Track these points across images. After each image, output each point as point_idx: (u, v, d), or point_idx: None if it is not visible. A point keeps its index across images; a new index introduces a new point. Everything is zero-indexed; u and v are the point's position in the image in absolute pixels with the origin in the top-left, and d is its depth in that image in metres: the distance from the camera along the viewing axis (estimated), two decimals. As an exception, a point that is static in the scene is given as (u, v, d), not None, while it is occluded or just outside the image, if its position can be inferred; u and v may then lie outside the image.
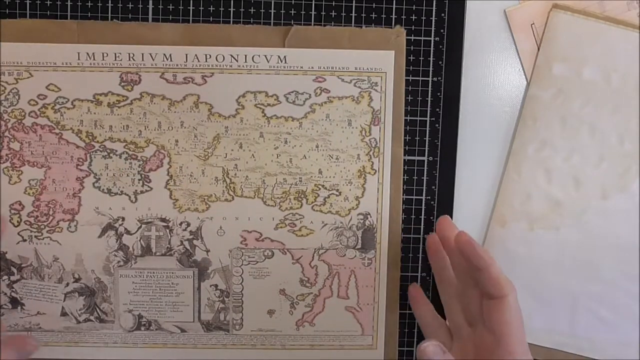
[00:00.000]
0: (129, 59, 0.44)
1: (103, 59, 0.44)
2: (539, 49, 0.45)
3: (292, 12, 0.44)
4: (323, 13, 0.45)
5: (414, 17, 0.45)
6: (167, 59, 0.44)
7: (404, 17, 0.45)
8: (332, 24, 0.45)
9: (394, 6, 0.45)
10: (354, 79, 0.44)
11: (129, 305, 0.46)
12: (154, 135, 0.44)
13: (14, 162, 0.44)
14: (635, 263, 0.46)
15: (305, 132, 0.45)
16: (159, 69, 0.44)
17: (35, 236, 0.45)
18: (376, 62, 0.44)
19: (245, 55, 0.44)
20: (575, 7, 0.45)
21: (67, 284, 0.45)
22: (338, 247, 0.46)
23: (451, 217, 0.46)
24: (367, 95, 0.45)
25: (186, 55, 0.44)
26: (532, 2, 0.45)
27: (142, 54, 0.44)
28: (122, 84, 0.44)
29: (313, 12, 0.45)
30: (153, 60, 0.44)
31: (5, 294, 0.45)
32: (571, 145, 0.45)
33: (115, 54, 0.44)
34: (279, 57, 0.44)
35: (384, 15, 0.45)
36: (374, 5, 0.45)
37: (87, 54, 0.43)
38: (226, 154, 0.45)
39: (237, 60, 0.44)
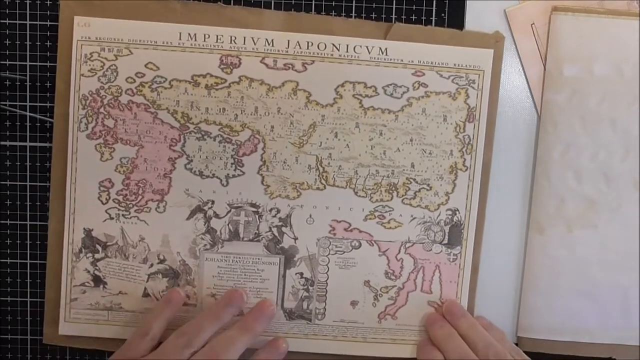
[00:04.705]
0: (231, 42, 0.43)
1: (204, 40, 0.43)
2: (540, 52, 0.45)
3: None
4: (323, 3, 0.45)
5: (414, 17, 0.45)
6: (268, 44, 0.44)
7: (403, 17, 0.45)
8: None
9: (394, 6, 0.45)
10: (452, 75, 0.45)
11: (213, 290, 0.45)
12: (250, 119, 0.44)
13: (107, 139, 0.44)
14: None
15: (401, 125, 0.45)
16: (260, 54, 0.44)
17: (123, 215, 0.45)
18: (475, 59, 0.45)
19: (347, 45, 0.44)
20: (575, 7, 0.44)
21: (152, 265, 0.45)
22: (425, 241, 0.46)
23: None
24: (464, 92, 0.45)
25: (288, 41, 0.44)
26: (532, 2, 0.45)
27: (244, 38, 0.43)
28: (222, 66, 0.44)
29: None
30: (255, 44, 0.43)
31: (89, 271, 0.45)
32: (595, 142, 0.45)
33: (217, 35, 0.43)
34: (380, 49, 0.44)
35: (383, 15, 0.45)
36: (373, 5, 0.45)
37: (189, 34, 0.43)
38: (321, 142, 0.44)
39: (338, 50, 0.44)
